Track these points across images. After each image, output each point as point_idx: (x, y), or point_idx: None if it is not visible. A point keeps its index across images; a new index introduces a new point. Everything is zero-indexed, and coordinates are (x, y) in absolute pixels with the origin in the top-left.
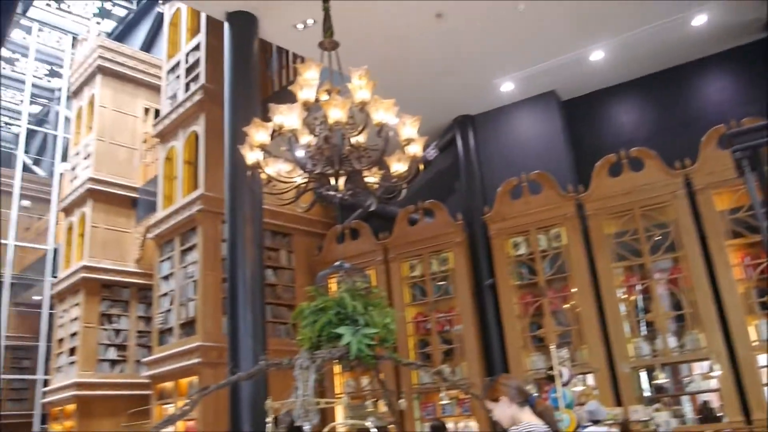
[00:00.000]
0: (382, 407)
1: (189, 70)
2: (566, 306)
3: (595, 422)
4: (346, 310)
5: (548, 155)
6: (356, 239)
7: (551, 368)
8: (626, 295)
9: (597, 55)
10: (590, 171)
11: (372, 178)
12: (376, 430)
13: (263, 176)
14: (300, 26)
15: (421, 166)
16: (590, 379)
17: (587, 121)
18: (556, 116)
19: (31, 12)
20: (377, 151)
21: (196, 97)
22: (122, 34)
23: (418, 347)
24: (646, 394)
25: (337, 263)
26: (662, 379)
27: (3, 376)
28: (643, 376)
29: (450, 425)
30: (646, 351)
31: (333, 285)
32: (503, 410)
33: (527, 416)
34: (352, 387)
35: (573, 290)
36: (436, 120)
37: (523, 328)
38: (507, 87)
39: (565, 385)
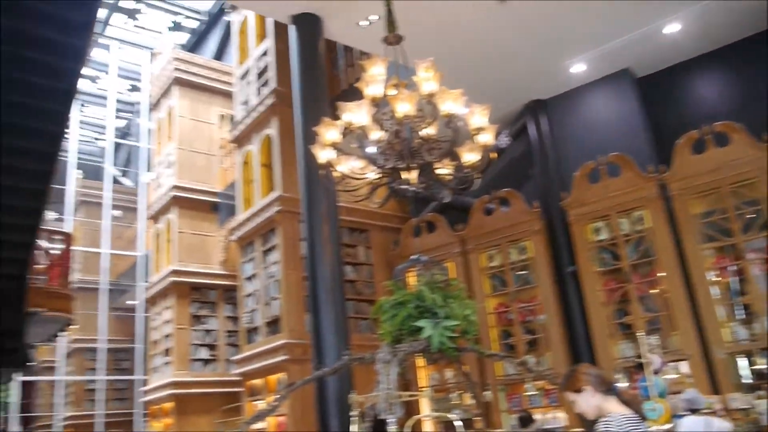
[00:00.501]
0: (468, 399)
1: (259, 75)
2: (654, 291)
3: (693, 411)
4: (425, 303)
5: (625, 136)
6: (433, 232)
7: (640, 356)
8: (718, 278)
9: (672, 28)
10: (671, 150)
11: (444, 169)
12: (460, 422)
13: (336, 174)
14: (364, 23)
15: (494, 155)
16: (684, 367)
17: (665, 97)
18: (632, 95)
19: (109, 31)
20: (448, 143)
21: (268, 101)
22: (195, 45)
23: (500, 338)
24: (746, 381)
25: (414, 257)
26: (763, 364)
27: (106, 377)
28: (741, 362)
29: (537, 416)
30: (743, 335)
31: (412, 279)
32: (587, 401)
33: (614, 406)
34: (436, 380)
35: (660, 275)
36: (507, 107)
37: (608, 315)
38: (578, 68)
39: (656, 373)
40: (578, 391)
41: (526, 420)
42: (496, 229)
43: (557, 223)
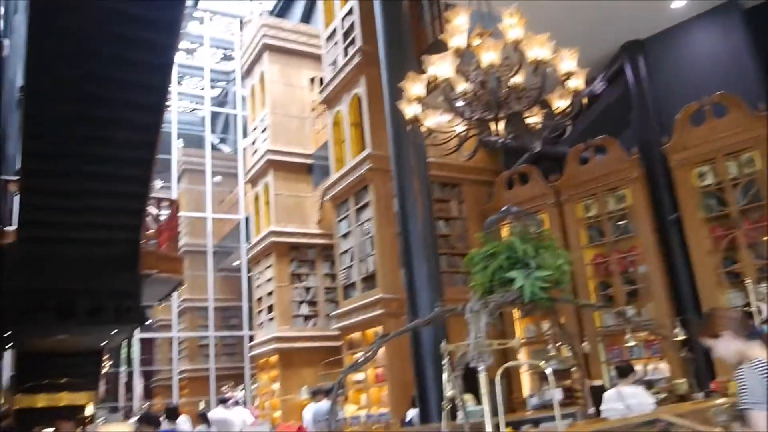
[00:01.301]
0: (565, 351)
1: (346, 35)
2: (766, 238)
3: None
4: (516, 254)
5: (732, 74)
6: (526, 184)
7: (749, 305)
8: None
9: None
10: None
11: (534, 118)
12: (550, 370)
13: (423, 129)
14: None
15: (585, 100)
16: None
17: None
18: (739, 28)
19: (202, 4)
20: (536, 90)
21: (355, 61)
22: (282, 10)
23: (598, 290)
24: None
25: (505, 208)
26: None
27: (216, 334)
28: None
29: (638, 368)
30: None
31: (504, 231)
32: (727, 346)
33: (760, 351)
34: (532, 332)
35: None
36: (601, 50)
37: (715, 263)
38: (679, 3)
39: (765, 322)
40: (716, 336)
41: (624, 370)
42: (592, 178)
43: (657, 169)
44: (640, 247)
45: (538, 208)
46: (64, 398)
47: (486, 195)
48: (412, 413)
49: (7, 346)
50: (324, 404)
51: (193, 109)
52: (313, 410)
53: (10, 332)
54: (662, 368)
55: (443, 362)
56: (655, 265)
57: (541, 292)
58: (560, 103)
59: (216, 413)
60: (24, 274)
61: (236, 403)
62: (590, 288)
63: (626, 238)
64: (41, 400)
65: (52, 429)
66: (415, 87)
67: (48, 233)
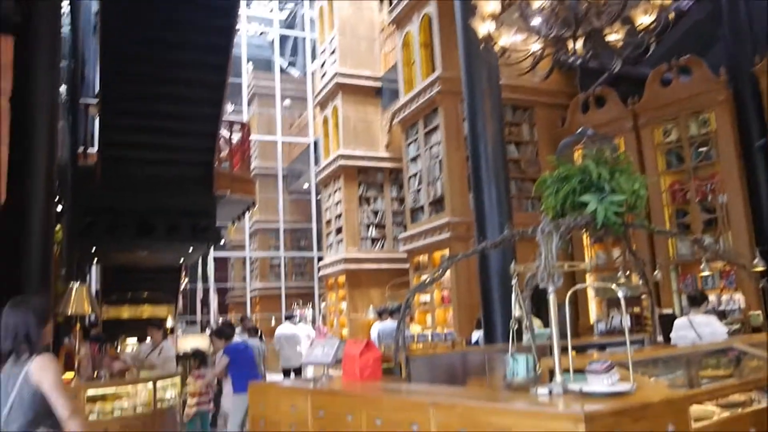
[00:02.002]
0: (635, 279)
1: None
2: None
3: None
4: (590, 178)
5: None
6: (602, 107)
7: None
8: None
9: None
10: None
11: (615, 35)
12: (622, 293)
13: (497, 48)
14: None
15: (671, 16)
16: None
17: None
18: None
19: None
20: (618, 4)
21: None
22: None
23: (674, 218)
24: None
25: (580, 130)
26: None
27: (287, 254)
28: None
29: (712, 298)
30: None
31: (578, 155)
32: None
33: None
34: (602, 259)
35: None
36: None
37: None
38: None
39: None
40: None
41: (697, 299)
42: (674, 101)
43: (746, 92)
44: (722, 174)
45: (614, 132)
46: (147, 311)
47: (559, 119)
48: (477, 335)
49: (93, 262)
50: (389, 323)
51: (262, 33)
52: (378, 329)
53: (95, 248)
54: (737, 299)
55: (512, 283)
56: (737, 194)
57: (614, 216)
58: (644, 19)
59: (283, 329)
60: (107, 193)
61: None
62: (666, 216)
63: (707, 165)
64: (126, 312)
65: (135, 338)
66: (489, 4)
67: (126, 154)
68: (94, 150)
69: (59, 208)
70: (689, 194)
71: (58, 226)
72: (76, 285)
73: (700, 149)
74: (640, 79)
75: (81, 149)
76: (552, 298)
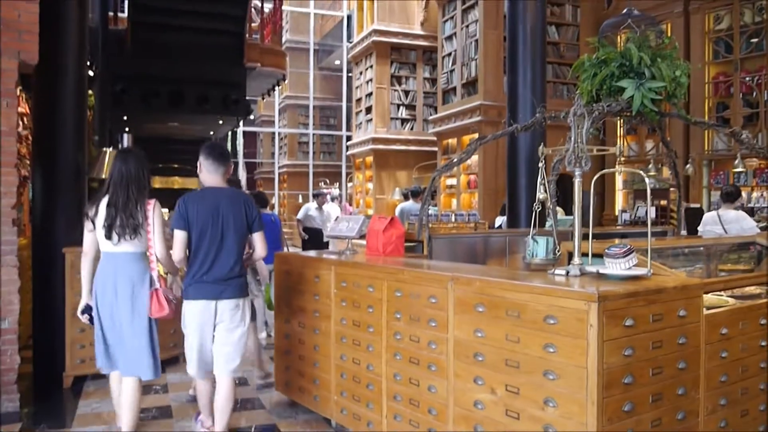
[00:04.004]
0: (666, 173)
1: None
2: None
3: None
4: (631, 62)
5: None
6: None
7: None
8: None
9: None
10: None
11: None
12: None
13: None
14: None
15: None
16: None
17: None
18: None
19: None
20: None
21: None
22: None
23: (715, 111)
24: None
25: (626, 11)
26: None
27: (316, 132)
28: None
29: (743, 195)
30: None
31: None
32: None
33: None
34: (635, 151)
35: None
36: None
37: None
38: None
39: None
40: None
41: (731, 194)
42: None
43: None
44: None
45: (662, 17)
46: (177, 182)
47: (605, 1)
48: (500, 220)
49: (125, 131)
50: (411, 203)
51: None
52: (400, 207)
53: (126, 117)
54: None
55: (539, 165)
56: None
57: (651, 104)
58: None
59: (310, 208)
60: (138, 60)
61: (331, 199)
62: (705, 108)
63: (756, 56)
64: (157, 182)
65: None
66: None
67: (156, 19)
68: (124, 15)
69: (91, 73)
70: (733, 87)
71: (90, 92)
72: (109, 150)
73: (752, 40)
74: None
75: (111, 13)
76: (578, 183)
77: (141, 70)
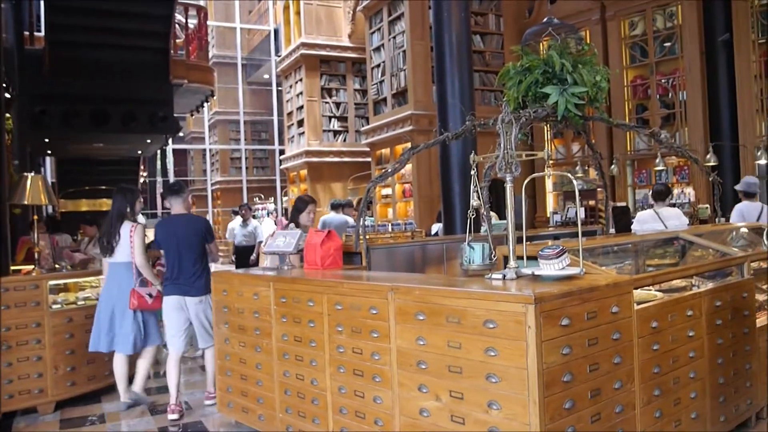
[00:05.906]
0: (593, 173)
1: None
2: None
3: None
4: (554, 69)
5: None
6: None
7: None
8: None
9: None
10: None
11: None
12: (576, 183)
13: None
14: None
15: None
16: None
17: None
18: None
19: None
20: None
21: None
22: None
23: (634, 112)
24: None
25: (546, 19)
26: None
27: (247, 147)
28: None
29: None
30: None
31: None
32: None
33: None
34: (562, 154)
35: None
36: None
37: (760, 89)
38: None
39: None
40: None
41: (662, 193)
42: None
43: None
44: (684, 69)
45: (581, 25)
46: (105, 204)
47: (526, 9)
48: (437, 227)
49: (47, 154)
50: (332, 215)
51: None
52: (322, 220)
53: (48, 139)
54: (688, 193)
55: (471, 173)
56: (696, 89)
57: (575, 108)
58: None
59: (234, 226)
60: (57, 80)
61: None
62: (626, 110)
63: (670, 60)
64: (84, 205)
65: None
66: None
67: (75, 37)
68: (41, 34)
69: (7, 95)
70: (650, 89)
71: (8, 115)
72: (30, 174)
73: (665, 44)
74: None
75: (27, 33)
76: (509, 188)
77: (61, 90)
